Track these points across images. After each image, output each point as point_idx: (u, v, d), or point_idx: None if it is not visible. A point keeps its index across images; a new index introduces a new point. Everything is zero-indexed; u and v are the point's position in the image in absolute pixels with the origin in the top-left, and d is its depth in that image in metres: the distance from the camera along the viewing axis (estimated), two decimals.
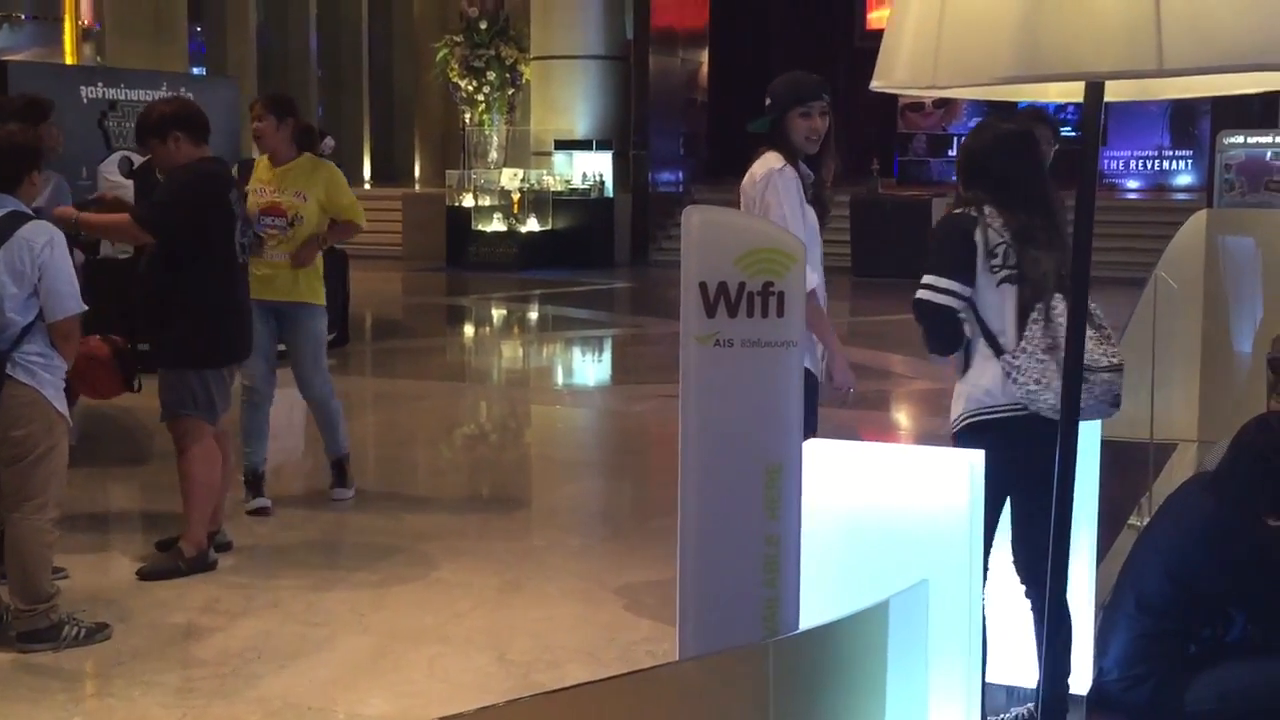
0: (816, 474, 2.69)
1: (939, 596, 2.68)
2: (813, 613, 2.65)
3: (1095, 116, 2.31)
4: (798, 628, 2.61)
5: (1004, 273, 3.51)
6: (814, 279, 4.23)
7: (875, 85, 2.38)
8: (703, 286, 2.55)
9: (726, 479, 2.59)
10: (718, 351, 2.56)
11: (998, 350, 3.54)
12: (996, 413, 3.54)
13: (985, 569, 3.40)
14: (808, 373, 4.16)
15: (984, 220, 3.52)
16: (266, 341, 6.25)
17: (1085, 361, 3.31)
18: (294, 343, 6.38)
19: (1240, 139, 16.32)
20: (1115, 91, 2.38)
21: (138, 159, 9.34)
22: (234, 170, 6.43)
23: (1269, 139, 16.29)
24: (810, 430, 3.79)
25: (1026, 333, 3.46)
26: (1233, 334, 8.14)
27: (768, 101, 4.44)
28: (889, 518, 2.74)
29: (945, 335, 3.66)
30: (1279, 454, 3.77)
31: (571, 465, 7.95)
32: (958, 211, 3.64)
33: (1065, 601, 2.54)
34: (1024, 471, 3.48)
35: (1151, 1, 1.99)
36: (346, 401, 9.80)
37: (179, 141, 5.39)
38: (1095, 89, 2.29)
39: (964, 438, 3.55)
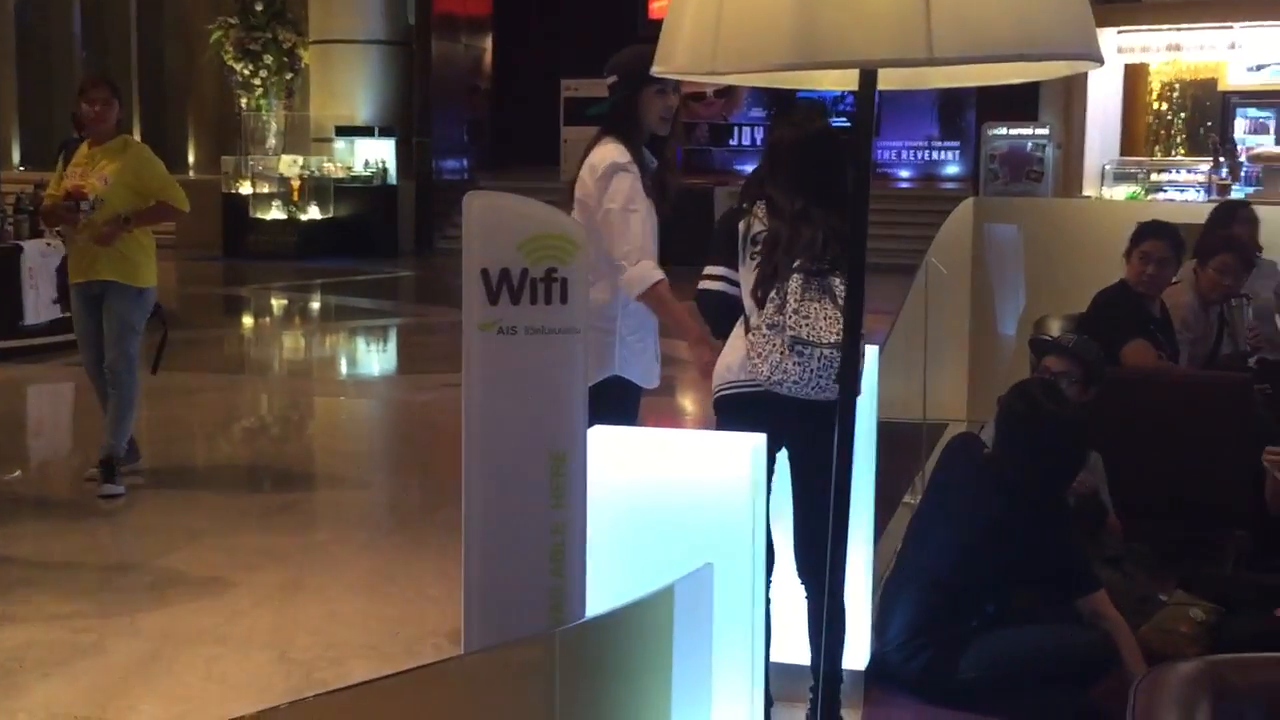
0: (601, 460, 2.68)
1: (723, 579, 2.70)
2: (599, 601, 2.64)
3: (869, 103, 2.36)
4: (584, 617, 2.60)
5: (758, 259, 3.57)
6: (658, 273, 3.89)
7: (656, 70, 2.38)
8: (484, 273, 2.52)
9: (511, 468, 2.55)
10: (500, 339, 2.52)
11: (746, 327, 3.61)
12: (735, 388, 3.62)
13: (770, 549, 3.46)
14: (629, 384, 4.06)
15: (752, 214, 3.61)
16: (87, 325, 6.24)
17: (808, 335, 3.40)
18: (105, 321, 6.27)
19: (1003, 130, 17.08)
20: (887, 80, 2.43)
21: None
22: (60, 152, 6.42)
23: (1029, 130, 17.09)
24: None
25: (763, 310, 3.51)
26: (998, 317, 8.49)
27: (612, 79, 4.00)
28: (673, 502, 2.76)
29: (716, 319, 3.77)
30: (1038, 414, 3.95)
31: (355, 457, 7.79)
32: (738, 206, 3.72)
33: (842, 587, 2.59)
34: (779, 449, 3.59)
35: None
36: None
37: None
38: (869, 77, 2.34)
39: (720, 413, 3.64)
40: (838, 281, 3.41)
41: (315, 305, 15.24)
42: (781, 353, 3.43)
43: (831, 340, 3.37)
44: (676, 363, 10.72)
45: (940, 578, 3.97)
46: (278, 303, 15.23)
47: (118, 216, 6.17)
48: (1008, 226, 8.62)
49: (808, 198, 3.52)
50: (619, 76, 4.00)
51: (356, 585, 5.17)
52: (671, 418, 9.08)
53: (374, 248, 19.04)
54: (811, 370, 3.43)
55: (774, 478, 3.52)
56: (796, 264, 3.45)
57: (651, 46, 4.31)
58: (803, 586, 3.66)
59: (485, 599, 2.59)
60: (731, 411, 3.59)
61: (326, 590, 5.12)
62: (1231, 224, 6.25)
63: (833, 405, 2.55)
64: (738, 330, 3.65)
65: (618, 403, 3.98)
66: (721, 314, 3.73)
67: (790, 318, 3.42)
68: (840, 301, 3.38)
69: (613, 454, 2.72)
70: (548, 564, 2.58)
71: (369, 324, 13.84)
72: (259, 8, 19.96)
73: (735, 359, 3.61)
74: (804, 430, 3.48)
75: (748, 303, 3.58)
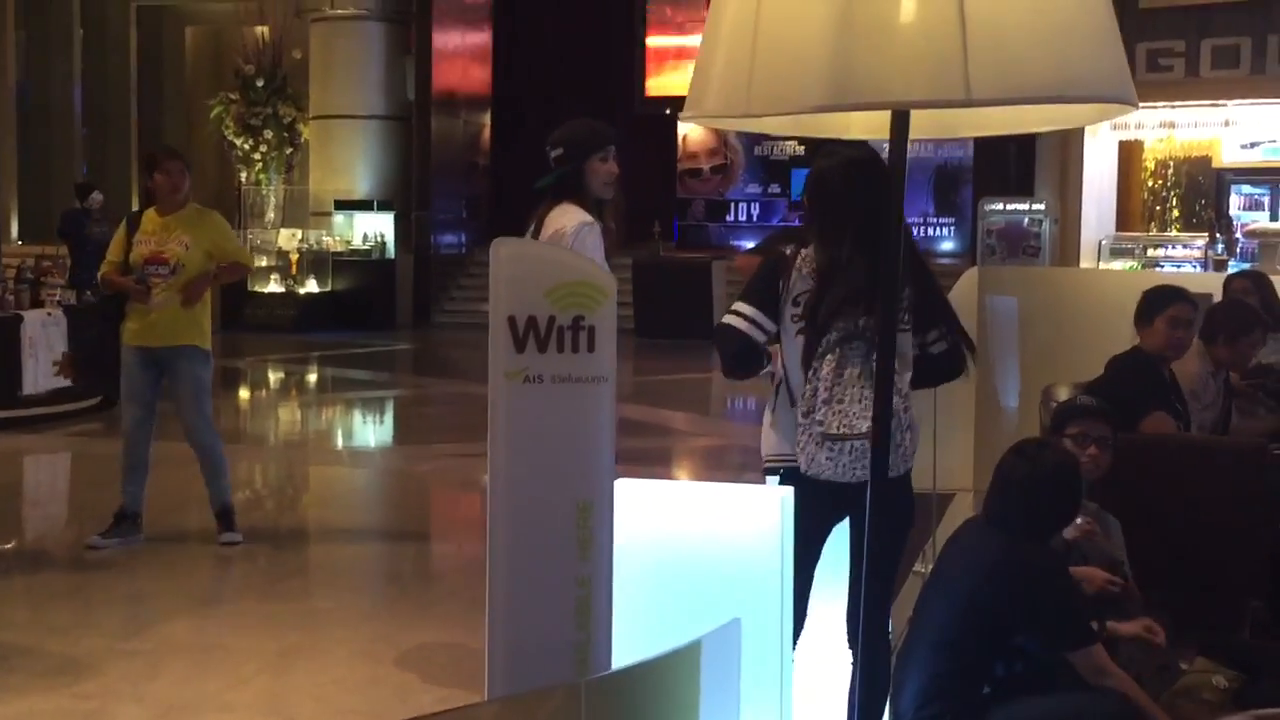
0: (627, 512, 2.63)
1: (751, 633, 2.64)
2: (625, 654, 2.58)
3: (901, 146, 2.34)
4: (610, 670, 2.54)
5: (800, 324, 3.53)
6: None
7: (685, 116, 2.37)
8: (511, 321, 2.49)
9: (536, 517, 2.51)
10: (527, 387, 2.49)
11: (791, 399, 3.56)
12: (783, 461, 3.57)
13: (803, 612, 3.39)
14: None
15: (796, 263, 3.51)
16: (143, 388, 6.38)
17: (839, 429, 3.37)
18: (174, 387, 6.44)
19: (1000, 206, 17.19)
20: (918, 127, 2.42)
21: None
22: (124, 223, 6.61)
23: (1026, 206, 17.19)
24: None
25: (807, 384, 3.49)
26: (1001, 386, 8.47)
27: (558, 152, 4.30)
28: (701, 555, 2.71)
29: (729, 354, 3.62)
30: (1036, 477, 3.90)
31: (355, 527, 7.70)
32: (780, 249, 3.65)
33: (886, 656, 2.54)
34: (829, 523, 3.53)
35: (958, 34, 2.04)
36: (109, 466, 9.40)
37: None
38: (901, 119, 2.33)
39: (770, 479, 3.58)
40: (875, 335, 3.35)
41: (313, 377, 15.20)
42: (816, 444, 3.40)
43: (864, 430, 3.34)
44: (672, 433, 10.67)
45: (945, 638, 3.90)
46: (275, 375, 15.19)
47: (205, 273, 6.39)
48: (1007, 298, 8.62)
49: (854, 239, 3.41)
50: (564, 149, 4.30)
51: (359, 653, 5.08)
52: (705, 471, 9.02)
53: (372, 321, 19.03)
54: (843, 464, 3.40)
55: (823, 545, 3.50)
56: (834, 333, 3.39)
57: (593, 120, 4.45)
58: (850, 653, 3.61)
59: (509, 652, 2.54)
60: (786, 479, 3.54)
61: (330, 657, 5.03)
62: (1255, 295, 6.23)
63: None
64: (783, 400, 3.58)
65: None
66: (739, 354, 3.64)
67: (820, 410, 3.38)
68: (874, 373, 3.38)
69: (639, 505, 2.68)
70: (573, 617, 2.54)
71: (367, 395, 13.79)
72: (260, 83, 20.11)
73: (777, 433, 3.56)
74: (850, 508, 3.45)
75: (795, 375, 3.51)
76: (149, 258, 6.37)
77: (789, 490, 2.79)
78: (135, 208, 25.24)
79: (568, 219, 4.20)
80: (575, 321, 2.50)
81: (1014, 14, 2.06)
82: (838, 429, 3.35)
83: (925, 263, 3.68)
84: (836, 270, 3.42)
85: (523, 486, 2.52)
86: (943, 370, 3.65)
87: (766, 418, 3.71)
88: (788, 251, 3.57)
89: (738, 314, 3.54)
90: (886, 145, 2.41)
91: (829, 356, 3.39)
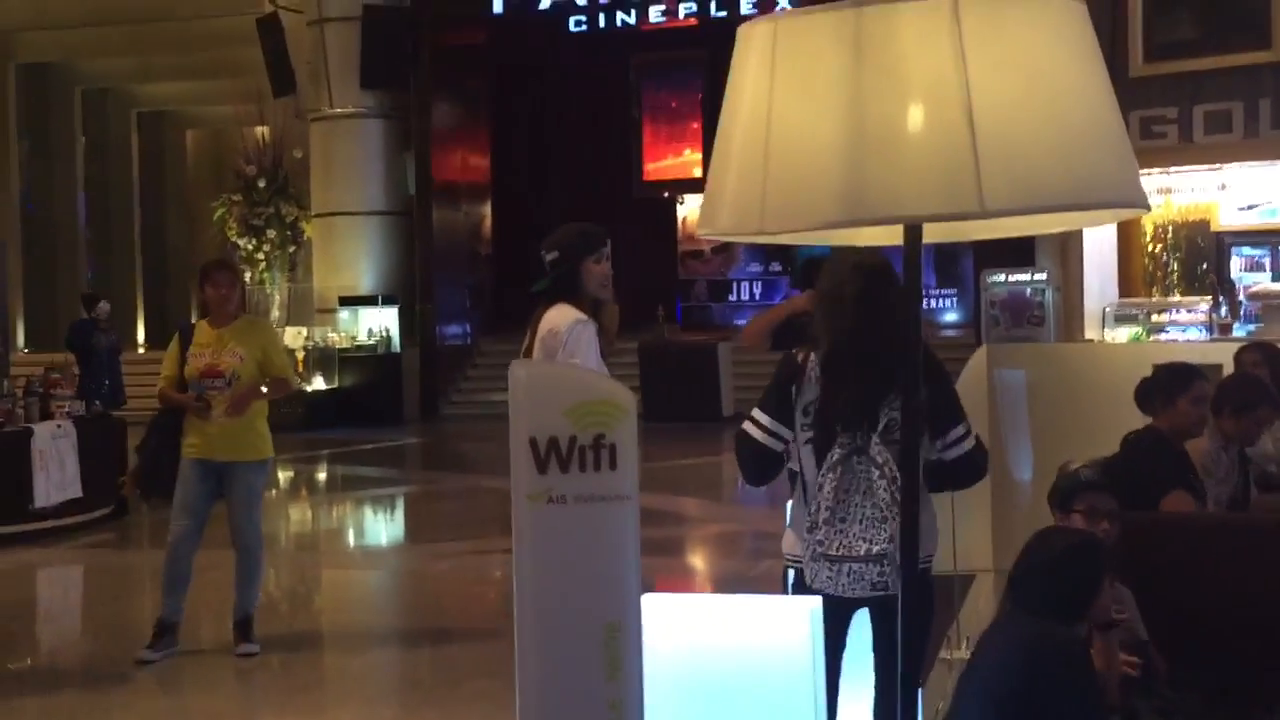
0: (655, 629, 2.61)
1: None
2: None
3: (916, 257, 2.35)
4: None
5: (809, 433, 3.54)
6: None
7: (701, 232, 2.38)
8: (533, 442, 2.48)
9: (564, 640, 2.49)
10: (550, 509, 2.48)
11: (805, 498, 3.57)
12: (799, 562, 3.58)
13: (834, 713, 3.37)
14: None
15: (807, 369, 3.53)
16: (197, 500, 6.41)
17: (837, 551, 3.38)
18: (229, 492, 6.48)
19: (1002, 277, 17.21)
20: (930, 232, 2.43)
21: None
22: (176, 336, 6.64)
23: (1028, 276, 17.22)
24: None
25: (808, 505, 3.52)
26: (1015, 462, 8.44)
27: (553, 256, 4.38)
28: (730, 669, 2.68)
29: (753, 468, 3.68)
30: (1059, 558, 3.88)
31: (371, 630, 7.63)
32: (791, 352, 3.66)
33: None
34: (837, 630, 3.52)
35: (969, 146, 2.05)
36: (124, 578, 9.39)
37: None
38: (914, 231, 2.34)
39: (792, 585, 3.58)
40: (878, 453, 3.36)
41: (322, 475, 15.18)
42: (816, 562, 3.44)
43: (862, 553, 3.37)
44: (685, 521, 10.62)
45: None
46: (284, 475, 15.14)
47: (254, 387, 6.42)
48: (1015, 371, 8.62)
49: (859, 347, 3.44)
50: (560, 252, 4.39)
51: None
52: (685, 578, 8.96)
53: (380, 416, 19.02)
54: (842, 584, 3.43)
55: (843, 647, 3.50)
56: (838, 450, 3.41)
57: (586, 223, 4.50)
58: None
59: None
60: (800, 586, 3.55)
61: None
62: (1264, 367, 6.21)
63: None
64: (799, 500, 3.59)
65: None
66: (758, 463, 3.66)
67: (821, 529, 3.42)
68: (877, 494, 3.38)
69: (668, 621, 2.65)
70: None
71: (377, 493, 13.76)
72: (261, 183, 20.31)
73: (795, 531, 3.60)
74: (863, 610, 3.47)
75: (811, 476, 3.51)
76: (205, 371, 6.40)
77: (817, 601, 2.77)
78: (140, 312, 25.38)
79: (562, 318, 4.27)
80: (596, 440, 2.50)
81: (1023, 124, 2.07)
82: (836, 550, 3.38)
83: (939, 362, 3.68)
84: (840, 381, 3.44)
85: (550, 609, 2.49)
86: (963, 473, 3.65)
87: (788, 511, 3.71)
88: (799, 357, 3.58)
89: (756, 423, 3.55)
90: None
91: (830, 475, 3.40)
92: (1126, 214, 2.30)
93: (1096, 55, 2.18)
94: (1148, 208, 2.20)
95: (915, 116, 2.08)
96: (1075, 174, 2.07)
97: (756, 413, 3.59)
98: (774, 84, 2.17)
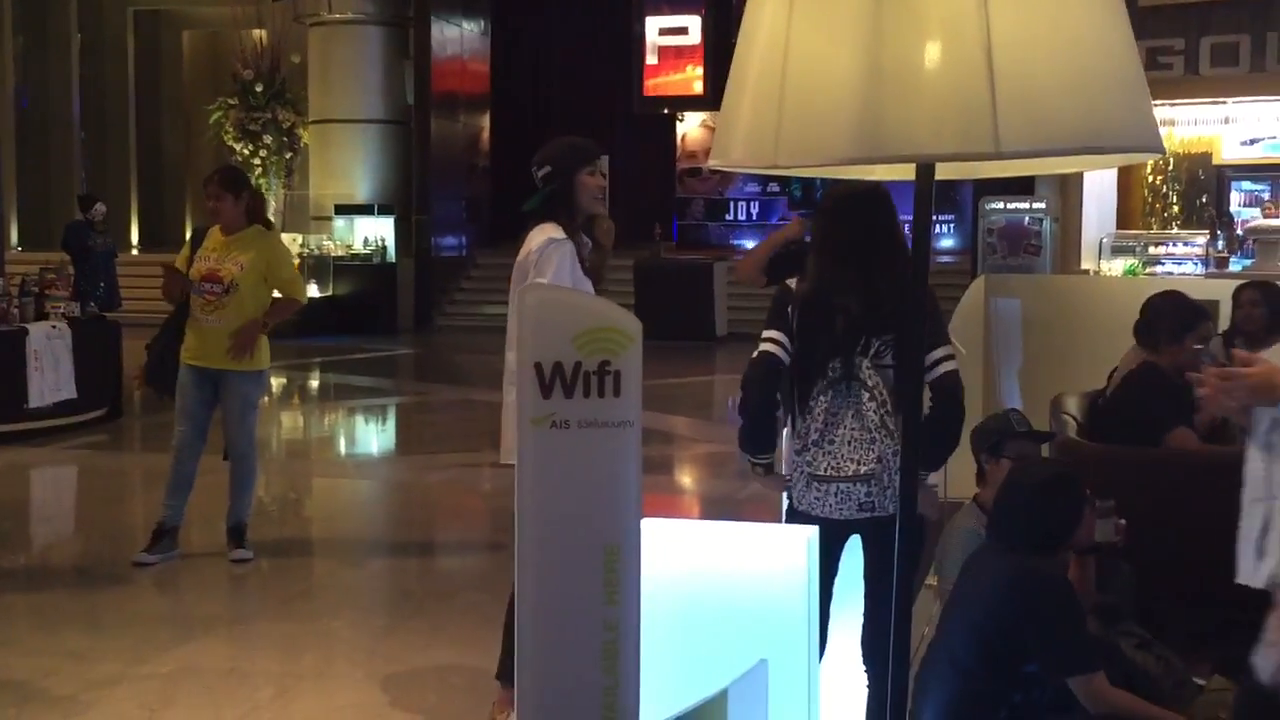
0: (653, 553, 2.64)
1: (778, 673, 2.65)
2: (652, 696, 2.59)
3: (927, 195, 2.35)
4: (638, 715, 2.55)
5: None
6: None
7: (712, 164, 2.37)
8: (538, 367, 2.49)
9: (564, 562, 2.52)
10: (554, 433, 2.50)
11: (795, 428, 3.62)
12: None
13: (824, 639, 3.43)
14: None
15: (795, 294, 3.58)
16: (196, 406, 6.48)
17: (826, 471, 3.43)
18: (224, 401, 6.53)
19: (1000, 205, 17.17)
20: (942, 170, 2.43)
21: None
22: (190, 238, 6.66)
23: (1026, 205, 17.17)
24: None
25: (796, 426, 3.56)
26: (1005, 393, 8.48)
27: (545, 171, 4.30)
28: (727, 595, 2.71)
29: (757, 389, 3.64)
30: (1040, 497, 3.91)
31: (363, 540, 7.71)
32: (785, 283, 3.69)
33: (905, 684, 2.55)
34: (828, 555, 3.57)
35: (986, 86, 2.03)
36: (117, 480, 9.44)
37: None
38: (926, 170, 2.33)
39: (789, 514, 3.62)
40: (868, 376, 3.39)
41: (314, 384, 15.20)
42: (805, 483, 3.50)
43: (851, 473, 3.42)
44: (675, 440, 10.67)
45: (962, 664, 3.91)
46: (276, 381, 15.15)
47: (254, 323, 6.43)
48: (1010, 299, 8.63)
49: (851, 270, 3.48)
50: (551, 166, 4.30)
51: (377, 674, 5.08)
52: (674, 496, 9.02)
53: (374, 325, 19.04)
54: (830, 504, 3.50)
55: (834, 572, 3.56)
56: (831, 372, 3.44)
57: (576, 136, 4.43)
58: (865, 673, 3.64)
59: (538, 697, 2.54)
60: (794, 513, 3.59)
61: (344, 680, 5.04)
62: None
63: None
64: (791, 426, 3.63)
65: None
66: (767, 379, 3.67)
67: (810, 450, 3.48)
68: (866, 416, 3.40)
69: (666, 547, 2.69)
70: (600, 661, 2.54)
71: (369, 403, 13.81)
72: (259, 88, 20.11)
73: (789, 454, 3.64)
74: (851, 537, 3.52)
75: (805, 406, 3.55)
76: (205, 275, 6.44)
77: (814, 529, 2.81)
78: (134, 214, 25.19)
79: (537, 238, 4.23)
80: (601, 366, 2.51)
81: (1042, 64, 2.06)
82: (825, 471, 3.43)
83: (930, 289, 3.70)
84: (825, 307, 3.46)
85: (550, 531, 2.52)
86: (938, 397, 3.67)
87: (784, 440, 3.74)
88: (792, 285, 3.61)
89: (771, 340, 3.58)
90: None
91: (822, 397, 3.44)
92: (1140, 157, 2.30)
93: None
94: (1162, 151, 2.20)
95: (933, 53, 2.07)
96: (1092, 117, 2.06)
97: (773, 334, 3.61)
98: (793, 15, 2.16)
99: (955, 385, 3.60)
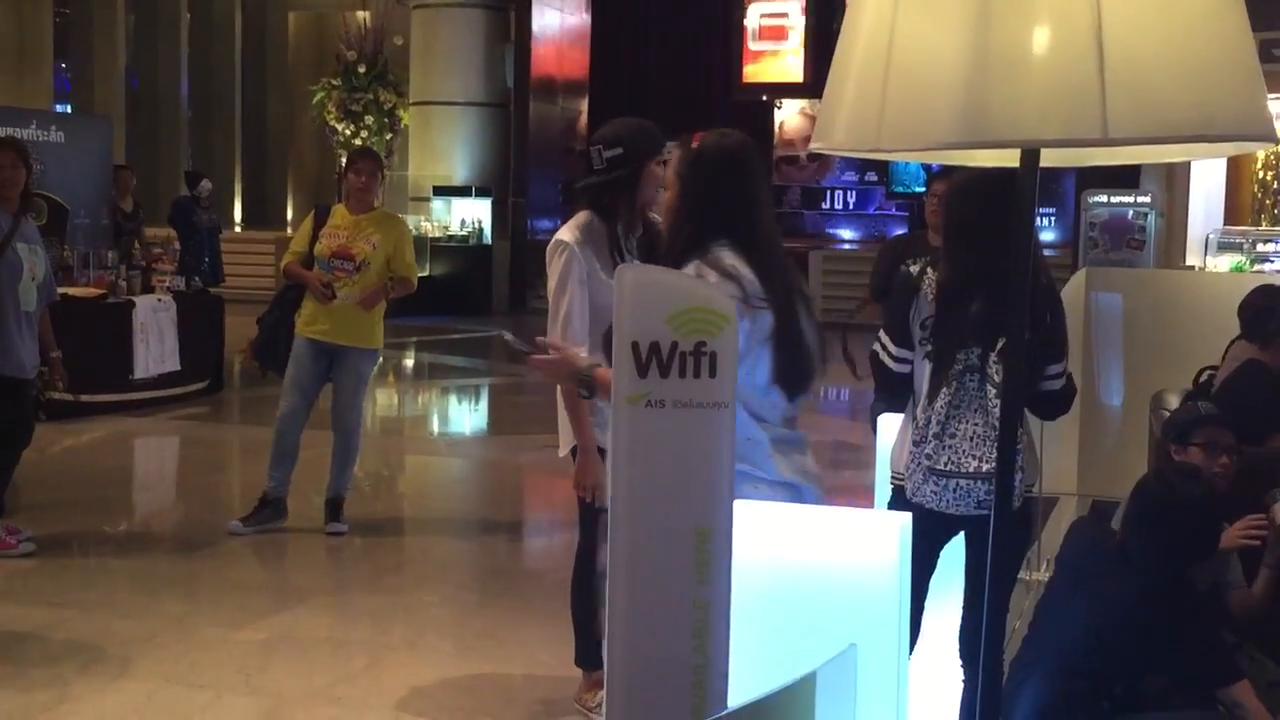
0: (745, 536, 2.64)
1: (867, 660, 2.64)
2: (741, 678, 2.60)
3: (1032, 182, 2.32)
4: (726, 695, 2.56)
5: (927, 348, 3.53)
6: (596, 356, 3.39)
7: (815, 147, 2.36)
8: (634, 346, 2.50)
9: (656, 542, 2.53)
10: (648, 412, 2.51)
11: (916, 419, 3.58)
12: (902, 480, 3.60)
13: (917, 630, 3.41)
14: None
15: (924, 286, 3.52)
16: (308, 379, 6.62)
17: (945, 466, 3.38)
18: (338, 377, 6.69)
19: (1104, 198, 16.86)
20: (1046, 158, 2.40)
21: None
22: (312, 215, 6.79)
23: (1130, 198, 16.85)
24: None
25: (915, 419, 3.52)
26: (1106, 387, 8.35)
27: (616, 152, 3.97)
28: (818, 580, 2.71)
29: (886, 393, 3.71)
30: (1179, 508, 3.83)
31: (455, 518, 7.81)
32: (904, 268, 3.63)
33: (1000, 680, 2.54)
34: (932, 547, 3.54)
35: (1096, 70, 2.00)
36: (217, 450, 9.64)
37: None
38: (1031, 156, 2.30)
39: (894, 500, 3.61)
40: (996, 372, 3.34)
41: (409, 363, 15.37)
42: (923, 475, 3.45)
43: (970, 470, 3.38)
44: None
45: (1073, 665, 3.86)
46: None
47: (383, 284, 6.58)
48: (1112, 295, 8.49)
49: (980, 263, 3.38)
50: (624, 149, 3.98)
51: (466, 648, 5.15)
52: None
53: (468, 306, 19.22)
54: (947, 499, 3.46)
55: (934, 564, 3.56)
56: (957, 364, 3.40)
57: (644, 119, 4.13)
58: (961, 668, 3.62)
59: (628, 673, 2.56)
60: (900, 503, 3.56)
61: (437, 653, 5.11)
62: None
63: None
64: (911, 415, 3.60)
65: None
66: (890, 388, 3.67)
67: (930, 443, 3.43)
68: (991, 413, 3.37)
69: (757, 530, 2.69)
70: (690, 640, 2.55)
71: (463, 383, 13.96)
72: (361, 69, 20.36)
73: (902, 449, 3.61)
74: (959, 531, 3.50)
75: (928, 397, 3.52)
76: (336, 251, 6.55)
77: (907, 516, 2.79)
78: (237, 192, 25.62)
79: (559, 234, 4.07)
80: (697, 347, 2.51)
81: (1154, 48, 2.02)
82: (944, 465, 3.39)
83: (1057, 294, 3.64)
84: (960, 297, 3.41)
85: (643, 510, 2.54)
86: (1046, 407, 3.63)
87: (900, 426, 3.70)
88: (914, 270, 3.56)
89: (885, 349, 3.57)
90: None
91: (945, 391, 3.40)
92: (1252, 147, 2.25)
93: None
94: (1275, 140, 2.15)
95: (1042, 37, 2.04)
96: (1204, 104, 2.02)
97: (883, 336, 3.60)
98: None
99: (1066, 402, 3.57)
